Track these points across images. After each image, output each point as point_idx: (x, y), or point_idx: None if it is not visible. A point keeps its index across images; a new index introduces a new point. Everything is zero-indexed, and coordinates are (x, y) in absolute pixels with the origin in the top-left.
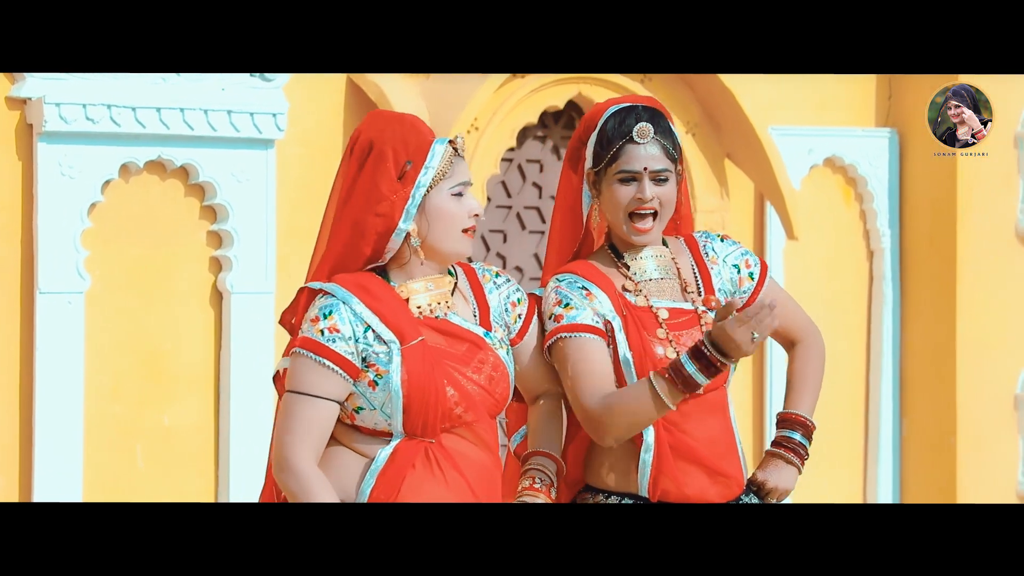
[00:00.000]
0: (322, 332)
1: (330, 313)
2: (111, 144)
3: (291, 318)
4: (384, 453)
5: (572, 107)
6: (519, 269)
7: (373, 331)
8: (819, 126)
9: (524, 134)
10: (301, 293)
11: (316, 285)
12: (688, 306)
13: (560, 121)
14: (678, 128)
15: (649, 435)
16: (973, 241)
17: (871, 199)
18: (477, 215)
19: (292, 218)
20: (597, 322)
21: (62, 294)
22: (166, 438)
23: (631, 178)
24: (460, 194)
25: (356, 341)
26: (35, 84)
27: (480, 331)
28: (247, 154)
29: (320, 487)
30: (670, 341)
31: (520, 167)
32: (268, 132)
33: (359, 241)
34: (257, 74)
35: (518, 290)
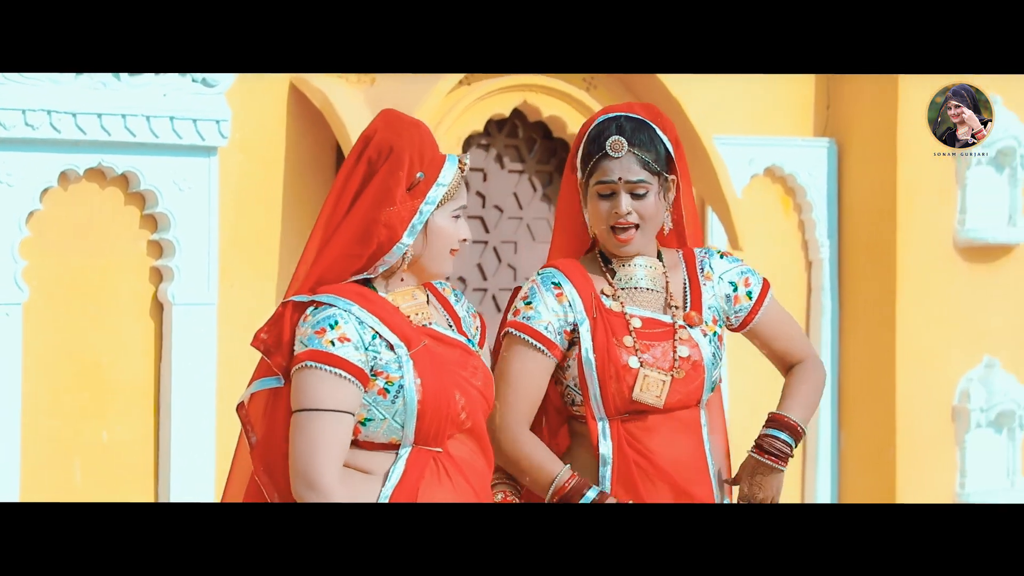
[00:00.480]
0: (332, 343)
1: (336, 323)
2: (50, 151)
3: (268, 336)
4: (397, 468)
5: (517, 115)
6: (462, 280)
7: (381, 337)
8: (759, 136)
9: (468, 143)
10: (285, 308)
11: (306, 298)
12: (666, 319)
13: (504, 129)
14: None
15: (606, 449)
16: (912, 252)
17: (810, 209)
18: (465, 240)
19: (234, 227)
20: (551, 331)
21: None
22: (105, 453)
23: (609, 191)
24: (458, 216)
25: (366, 349)
26: None
27: (462, 339)
28: (189, 161)
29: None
30: (636, 350)
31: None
32: (211, 139)
33: (358, 248)
34: (199, 79)
35: (472, 307)
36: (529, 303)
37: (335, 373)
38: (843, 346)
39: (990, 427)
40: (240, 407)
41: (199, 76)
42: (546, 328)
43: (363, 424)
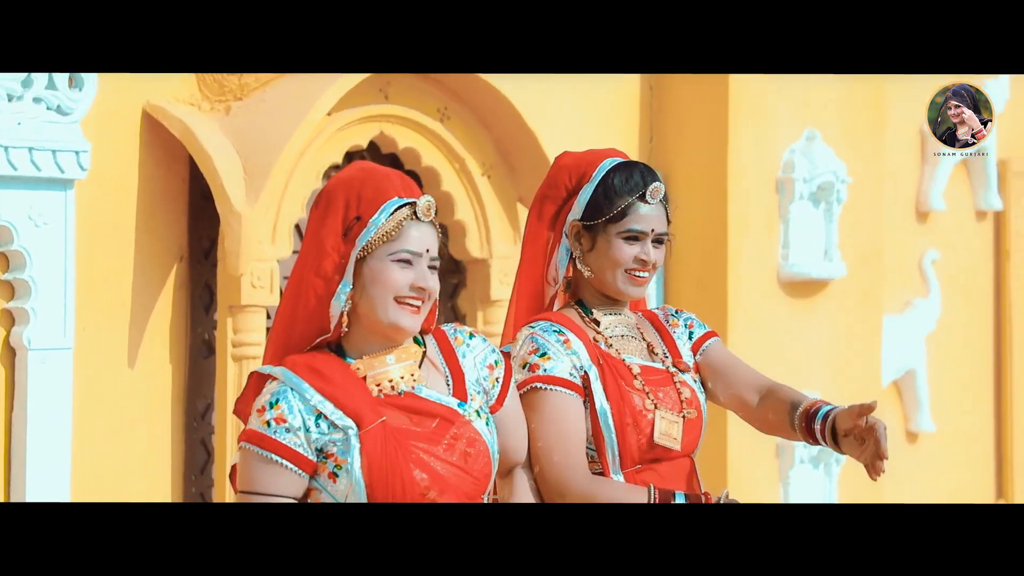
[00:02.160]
0: (268, 423)
1: (276, 402)
2: None
3: (241, 407)
4: None
5: (373, 147)
6: None
7: (326, 418)
8: None
9: (328, 174)
10: (251, 378)
11: (265, 370)
12: (659, 365)
13: None
14: (473, 170)
15: None
16: (741, 286)
17: None
18: (423, 289)
19: (87, 266)
20: (574, 376)
21: None
22: None
23: (635, 237)
24: (407, 262)
25: (307, 431)
26: None
27: (453, 403)
28: (46, 195)
29: None
30: (647, 393)
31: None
32: (70, 171)
33: (299, 308)
34: (53, 107)
35: (494, 351)
36: (544, 355)
37: (269, 457)
38: None
39: (810, 463)
40: (233, 471)
41: (54, 103)
42: (570, 374)
43: None
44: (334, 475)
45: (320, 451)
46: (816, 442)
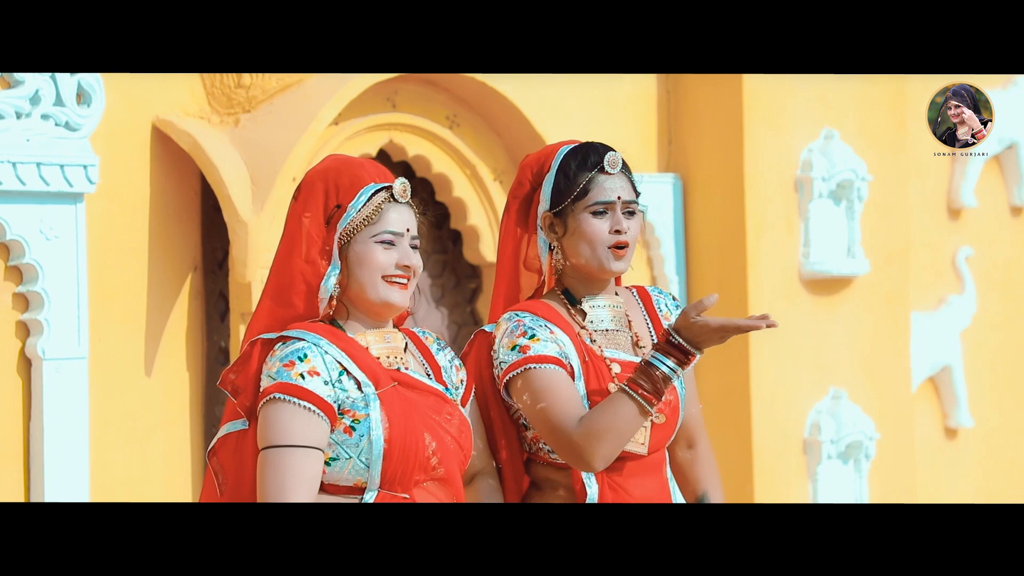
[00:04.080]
0: (301, 376)
1: (305, 356)
2: None
3: (236, 376)
4: None
5: (383, 155)
6: None
7: (349, 374)
8: None
9: None
10: (253, 347)
11: (275, 335)
12: (637, 359)
13: None
14: (484, 176)
15: (592, 491)
16: (761, 286)
17: (658, 245)
18: (408, 267)
19: (101, 278)
20: (563, 356)
21: None
22: None
23: (604, 210)
24: (390, 243)
25: (332, 385)
26: None
27: (439, 387)
28: (56, 209)
29: None
30: None
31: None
32: (79, 185)
33: (289, 293)
34: (62, 123)
35: (456, 357)
36: (533, 336)
37: (304, 407)
38: (698, 382)
39: (839, 459)
40: (211, 454)
41: (62, 119)
42: (559, 353)
43: (328, 464)
44: (351, 429)
45: (339, 406)
46: None
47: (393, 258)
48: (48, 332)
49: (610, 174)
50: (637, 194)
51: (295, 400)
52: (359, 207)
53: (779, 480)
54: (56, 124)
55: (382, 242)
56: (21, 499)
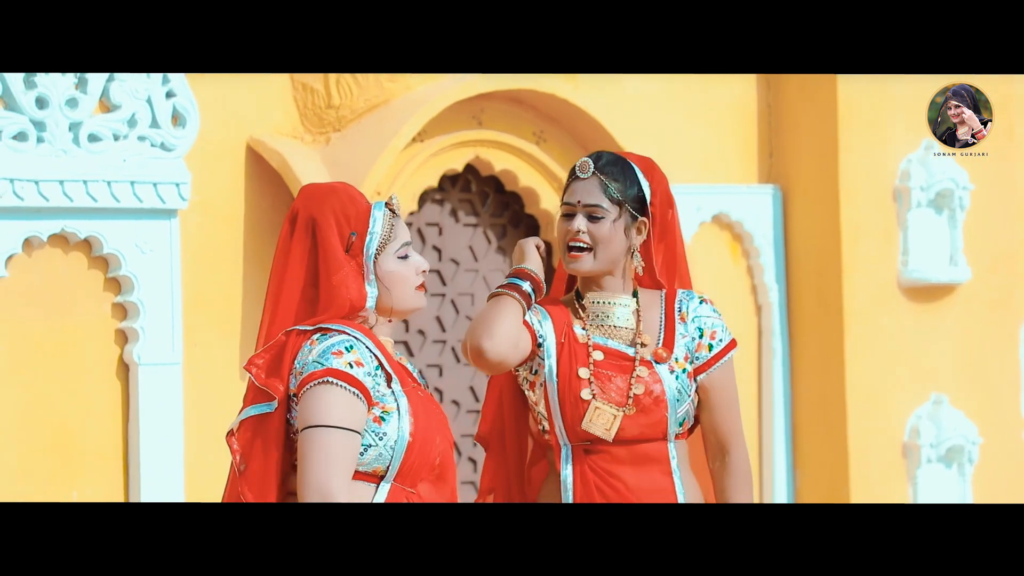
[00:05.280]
0: (350, 364)
1: (352, 347)
2: (14, 218)
3: (264, 361)
4: (381, 495)
5: (470, 170)
6: (421, 332)
7: (383, 369)
8: (706, 184)
9: (424, 198)
10: (287, 336)
11: (311, 327)
12: (630, 352)
13: (457, 184)
14: None
15: (567, 474)
16: (858, 293)
17: (757, 254)
18: (425, 271)
19: (196, 288)
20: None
21: None
22: None
23: (568, 212)
24: (406, 256)
25: (372, 376)
26: None
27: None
28: (150, 225)
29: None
30: (590, 381)
31: (420, 231)
32: (171, 202)
33: (331, 314)
34: (158, 144)
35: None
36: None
37: (352, 392)
38: (795, 387)
39: (940, 462)
40: (229, 435)
41: (158, 140)
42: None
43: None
44: (380, 419)
45: (373, 397)
46: None
47: (413, 267)
48: (143, 339)
49: (580, 178)
50: (617, 201)
51: (344, 385)
52: (377, 230)
53: (876, 482)
54: (152, 145)
55: (403, 257)
56: (121, 499)
